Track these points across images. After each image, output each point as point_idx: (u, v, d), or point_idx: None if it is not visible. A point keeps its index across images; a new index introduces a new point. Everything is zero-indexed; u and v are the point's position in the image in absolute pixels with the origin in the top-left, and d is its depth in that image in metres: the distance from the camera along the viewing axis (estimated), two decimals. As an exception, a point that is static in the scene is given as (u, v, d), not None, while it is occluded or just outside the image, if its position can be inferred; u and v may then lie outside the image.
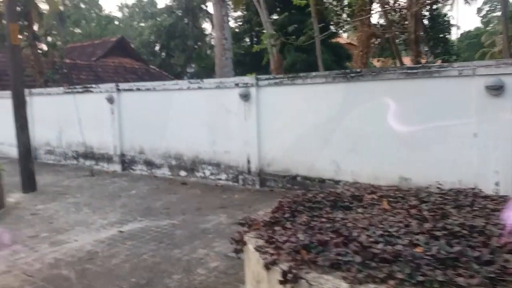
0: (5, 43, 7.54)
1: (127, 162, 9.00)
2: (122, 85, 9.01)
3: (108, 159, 9.30)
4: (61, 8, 23.27)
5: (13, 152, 11.76)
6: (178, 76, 32.39)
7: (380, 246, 1.91)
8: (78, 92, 9.78)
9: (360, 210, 2.64)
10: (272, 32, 11.52)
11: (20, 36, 15.55)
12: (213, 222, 5.08)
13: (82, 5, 40.18)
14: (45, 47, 15.10)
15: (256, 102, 6.86)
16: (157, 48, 35.88)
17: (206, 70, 33.16)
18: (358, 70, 6.37)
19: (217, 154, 7.59)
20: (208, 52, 35.51)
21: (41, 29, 15.11)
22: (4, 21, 10.30)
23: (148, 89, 8.46)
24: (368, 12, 10.74)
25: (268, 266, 2.00)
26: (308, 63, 18.06)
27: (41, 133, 10.93)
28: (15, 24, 6.80)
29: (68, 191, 7.06)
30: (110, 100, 8.94)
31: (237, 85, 7.08)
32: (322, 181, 6.22)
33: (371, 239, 2.00)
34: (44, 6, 15.62)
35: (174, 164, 8.23)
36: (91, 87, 9.63)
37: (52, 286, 3.36)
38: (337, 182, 5.85)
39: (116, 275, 3.54)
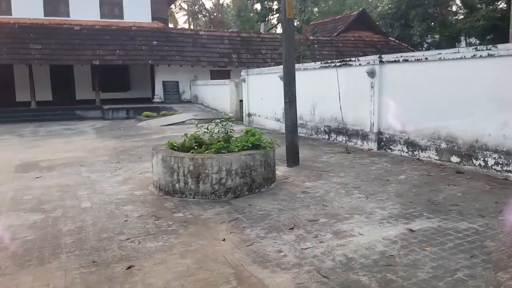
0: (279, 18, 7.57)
1: (384, 141, 8.18)
2: (386, 57, 8.12)
3: (363, 136, 8.69)
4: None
5: (269, 124, 12.65)
6: (416, 47, 29.65)
7: None
8: (335, 66, 9.44)
9: None
10: None
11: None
12: (537, 236, 3.70)
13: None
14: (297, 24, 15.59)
15: None
16: (394, 19, 33.65)
17: (450, 40, 29.25)
18: None
19: (509, 139, 5.91)
20: (453, 18, 31.15)
21: (295, 6, 15.63)
22: None
23: (418, 60, 7.31)
24: None
25: None
26: None
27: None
28: (290, -4, 6.69)
29: (330, 169, 6.74)
30: (371, 73, 8.21)
31: (557, 48, 5.19)
32: None
33: None
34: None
35: (443, 147, 6.93)
36: (350, 60, 9.11)
37: (355, 294, 2.80)
38: None
39: (431, 297, 2.72)
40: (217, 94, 16.98)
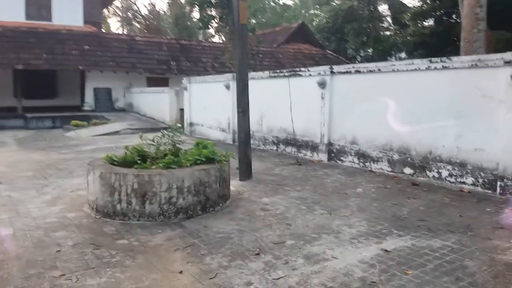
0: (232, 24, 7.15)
1: (334, 152, 8.02)
2: (338, 68, 8.00)
3: (313, 147, 8.47)
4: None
5: (213, 134, 12.10)
6: (351, 61, 30.83)
7: None
8: (284, 76, 9.18)
9: None
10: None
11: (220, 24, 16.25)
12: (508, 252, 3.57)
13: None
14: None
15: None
16: (331, 33, 34.79)
17: (383, 54, 30.78)
18: None
19: (462, 151, 5.94)
20: (385, 34, 32.90)
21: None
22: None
23: (371, 71, 7.24)
24: None
25: None
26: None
27: (241, 117, 10.84)
28: (244, 2, 6.29)
29: (285, 182, 6.37)
30: (322, 84, 8.03)
31: (508, 63, 5.28)
32: None
33: None
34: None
35: (396, 158, 6.88)
36: (300, 70, 8.90)
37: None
38: None
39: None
40: (155, 102, 16.11)
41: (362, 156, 7.46)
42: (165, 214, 4.54)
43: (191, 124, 13.51)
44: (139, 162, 5.14)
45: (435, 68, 6.13)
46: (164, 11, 44.54)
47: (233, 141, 11.14)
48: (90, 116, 16.28)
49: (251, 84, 10.59)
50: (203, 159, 5.02)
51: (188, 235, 4.09)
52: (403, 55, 31.35)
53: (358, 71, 7.53)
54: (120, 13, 43.14)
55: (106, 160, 5.20)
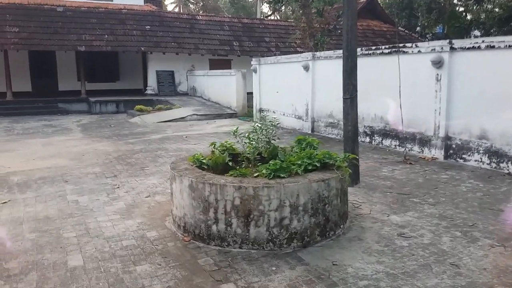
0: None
1: (454, 148, 6.48)
2: (459, 42, 6.40)
3: (423, 140, 6.97)
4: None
5: (287, 122, 10.84)
6: (423, 38, 28.11)
7: None
8: (382, 53, 7.68)
9: None
10: None
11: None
12: None
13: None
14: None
15: None
16: (400, 8, 31.98)
17: (460, 31, 27.76)
18: None
19: None
20: (461, 10, 29.67)
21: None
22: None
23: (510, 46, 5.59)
24: None
25: None
26: None
27: (323, 103, 9.48)
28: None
29: (407, 190, 5.00)
30: (437, 63, 6.48)
31: None
32: None
33: None
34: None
35: (547, 160, 5.26)
36: (405, 46, 7.35)
37: None
38: None
39: None
40: (220, 86, 15.07)
41: (495, 154, 5.89)
42: (275, 241, 3.37)
43: (260, 110, 12.32)
44: (231, 164, 4.05)
45: None
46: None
47: (312, 130, 9.84)
48: (154, 101, 15.62)
49: (335, 64, 9.22)
50: (316, 164, 3.78)
51: (316, 278, 2.89)
52: (481, 32, 28.21)
53: (490, 47, 5.89)
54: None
55: (192, 162, 4.11)
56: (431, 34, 31.72)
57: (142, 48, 17.43)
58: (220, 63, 18.76)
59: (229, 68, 18.06)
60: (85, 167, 6.54)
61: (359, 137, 8.31)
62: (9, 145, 8.68)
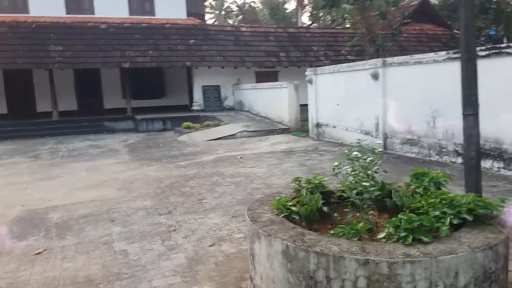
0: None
1: None
2: None
3: (541, 164, 5.58)
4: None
5: (351, 138, 9.58)
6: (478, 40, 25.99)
7: None
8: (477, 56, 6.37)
9: None
10: None
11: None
12: None
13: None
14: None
15: None
16: (452, 10, 30.00)
17: (521, 34, 25.49)
18: None
19: None
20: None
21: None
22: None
23: None
24: None
25: None
26: None
27: (400, 115, 8.20)
28: None
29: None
30: None
31: None
32: None
33: None
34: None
35: None
36: (507, 47, 6.03)
37: None
38: None
39: None
40: (270, 99, 14.05)
41: None
42: None
43: (318, 125, 11.16)
44: (325, 209, 2.98)
45: None
46: (256, 3, 42.90)
47: (385, 147, 8.55)
48: (201, 117, 14.84)
49: (413, 71, 7.97)
50: (465, 217, 2.59)
51: None
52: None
53: None
54: (214, 6, 42.42)
55: (277, 209, 3.04)
56: (485, 37, 29.50)
57: (187, 63, 16.79)
58: (266, 75, 17.82)
59: (276, 80, 17.10)
60: (134, 199, 5.64)
61: (446, 156, 7.04)
62: (53, 171, 8.00)
